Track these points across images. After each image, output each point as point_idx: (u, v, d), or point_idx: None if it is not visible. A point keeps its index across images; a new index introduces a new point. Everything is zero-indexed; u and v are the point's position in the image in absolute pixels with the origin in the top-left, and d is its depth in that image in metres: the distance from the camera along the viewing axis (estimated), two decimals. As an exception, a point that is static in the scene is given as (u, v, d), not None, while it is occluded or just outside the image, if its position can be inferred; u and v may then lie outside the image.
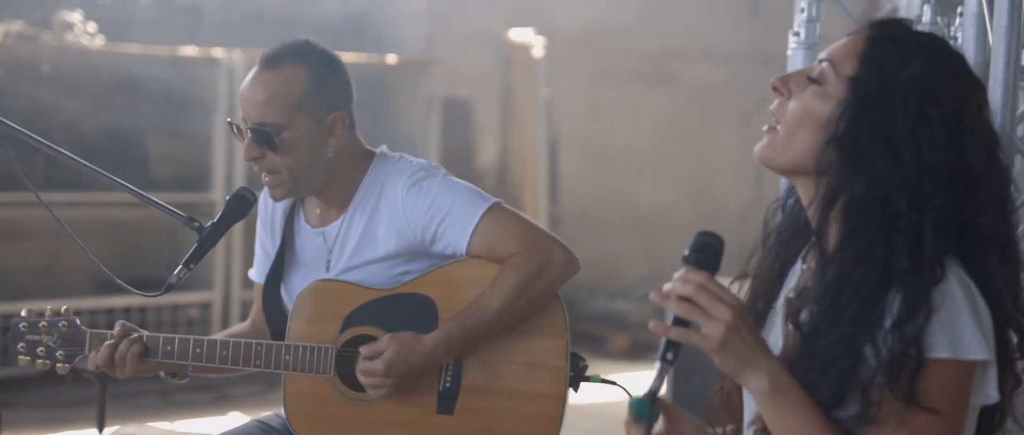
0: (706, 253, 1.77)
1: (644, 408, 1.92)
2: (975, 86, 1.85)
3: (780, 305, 1.94)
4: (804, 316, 1.84)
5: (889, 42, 1.83)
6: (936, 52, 1.84)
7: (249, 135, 2.79)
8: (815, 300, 1.82)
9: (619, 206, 8.40)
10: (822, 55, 1.88)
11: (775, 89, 1.88)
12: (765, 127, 1.87)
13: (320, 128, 2.81)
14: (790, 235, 1.98)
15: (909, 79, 1.79)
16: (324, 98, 2.81)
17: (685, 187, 8.20)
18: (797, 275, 1.94)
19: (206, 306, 6.41)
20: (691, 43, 8.61)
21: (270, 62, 2.80)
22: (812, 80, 1.85)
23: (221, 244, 4.56)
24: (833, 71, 1.84)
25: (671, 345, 1.73)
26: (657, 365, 1.74)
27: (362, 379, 2.77)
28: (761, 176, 7.99)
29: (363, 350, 2.77)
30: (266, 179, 2.83)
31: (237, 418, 5.74)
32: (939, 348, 1.72)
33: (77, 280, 6.13)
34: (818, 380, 1.77)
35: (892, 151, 1.77)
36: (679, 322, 1.74)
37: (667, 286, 1.74)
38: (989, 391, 1.79)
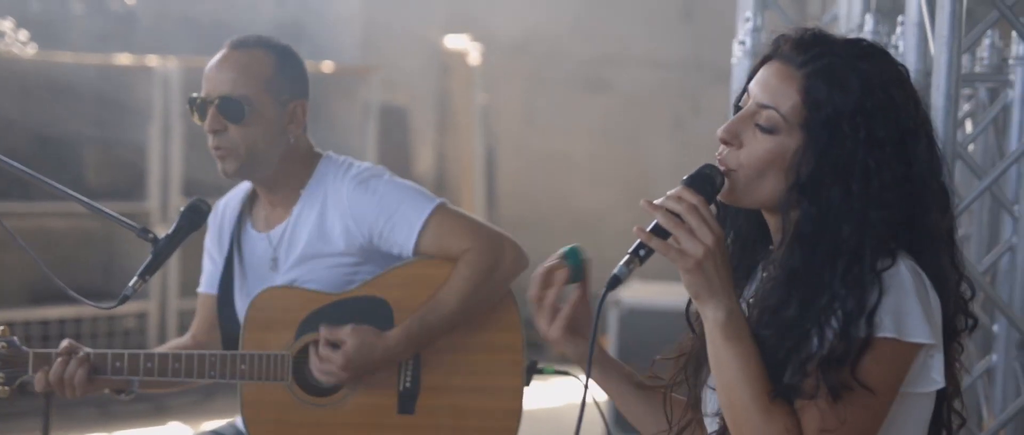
0: (705, 182, 1.83)
1: (577, 257, 1.99)
2: (903, 77, 1.88)
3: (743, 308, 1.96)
4: (755, 315, 1.87)
5: (824, 73, 1.83)
6: (863, 62, 1.85)
7: (214, 107, 2.80)
8: (769, 299, 1.85)
9: (557, 211, 8.43)
10: (761, 98, 1.87)
11: (725, 142, 1.88)
12: (723, 168, 1.87)
13: (283, 112, 2.87)
14: (753, 239, 1.99)
15: (854, 106, 1.81)
16: (288, 84, 2.88)
17: (622, 191, 8.23)
18: (757, 281, 1.96)
19: (142, 316, 6.34)
20: (625, 49, 8.66)
21: (240, 44, 2.87)
22: (762, 129, 1.85)
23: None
24: (783, 120, 1.84)
25: (646, 246, 1.79)
26: (627, 256, 1.79)
27: (318, 365, 2.76)
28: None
29: (324, 331, 2.77)
30: (219, 153, 2.83)
31: (177, 429, 5.69)
32: (884, 328, 1.76)
33: (8, 290, 6.04)
34: (763, 356, 1.81)
35: (846, 185, 1.80)
36: (659, 233, 1.78)
37: (660, 199, 1.79)
38: (934, 376, 1.82)
